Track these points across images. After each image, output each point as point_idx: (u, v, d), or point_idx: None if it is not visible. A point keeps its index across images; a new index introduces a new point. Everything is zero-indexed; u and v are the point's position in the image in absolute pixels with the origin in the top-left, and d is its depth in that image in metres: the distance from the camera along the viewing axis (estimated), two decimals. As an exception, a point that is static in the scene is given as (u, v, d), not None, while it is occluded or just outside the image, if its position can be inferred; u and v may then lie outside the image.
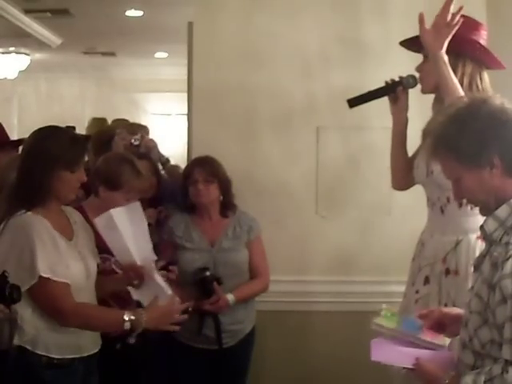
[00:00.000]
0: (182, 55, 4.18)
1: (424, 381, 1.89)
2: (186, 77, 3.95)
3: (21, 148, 2.88)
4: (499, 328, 1.68)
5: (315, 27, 3.61)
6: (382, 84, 2.67)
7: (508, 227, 1.77)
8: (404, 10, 3.46)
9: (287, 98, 3.63)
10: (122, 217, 2.59)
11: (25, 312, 2.32)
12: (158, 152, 4.45)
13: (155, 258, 2.68)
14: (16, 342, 2.25)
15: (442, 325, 2.01)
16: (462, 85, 2.47)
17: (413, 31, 2.52)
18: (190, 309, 3.02)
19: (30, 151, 2.47)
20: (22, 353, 2.31)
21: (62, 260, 2.38)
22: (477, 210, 1.93)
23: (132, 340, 2.48)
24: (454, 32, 2.41)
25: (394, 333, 1.97)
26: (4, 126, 3.53)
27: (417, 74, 2.63)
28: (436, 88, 2.53)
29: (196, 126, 3.70)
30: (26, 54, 8.50)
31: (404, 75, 2.64)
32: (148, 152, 4.11)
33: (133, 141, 4.07)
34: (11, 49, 8.30)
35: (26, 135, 2.58)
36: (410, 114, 2.68)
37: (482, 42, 2.59)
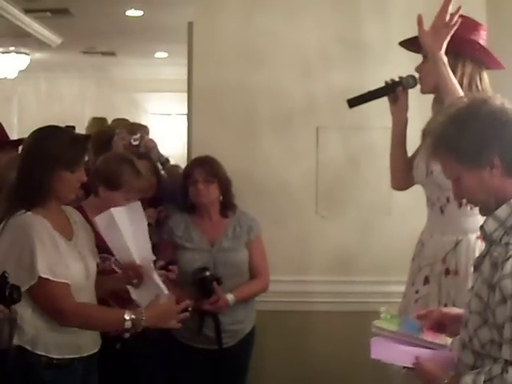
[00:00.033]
0: (182, 55, 4.18)
1: (423, 380, 1.89)
2: (186, 77, 3.96)
3: (20, 148, 2.88)
4: (499, 328, 1.68)
5: (315, 27, 3.61)
6: (382, 84, 2.67)
7: (508, 227, 1.77)
8: (404, 10, 3.46)
9: (287, 97, 3.63)
10: (122, 216, 2.59)
11: (24, 312, 2.32)
12: (158, 152, 4.46)
13: (154, 257, 2.68)
14: (15, 342, 2.25)
15: (442, 325, 2.01)
16: (461, 85, 2.47)
17: (413, 31, 2.52)
18: (189, 309, 3.03)
19: (30, 151, 2.47)
20: (21, 353, 2.31)
21: (62, 260, 2.38)
22: (476, 210, 1.93)
23: (127, 335, 2.48)
24: (452, 32, 2.41)
25: (395, 335, 1.98)
26: (4, 125, 3.53)
27: (416, 75, 2.63)
28: (435, 88, 2.53)
29: (196, 125, 3.70)
30: (25, 53, 8.50)
31: (404, 75, 2.64)
32: (147, 152, 4.11)
33: (132, 141, 4.08)
34: (11, 48, 8.30)
35: (26, 135, 2.57)
36: (410, 114, 2.68)
37: (482, 42, 2.59)
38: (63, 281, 2.35)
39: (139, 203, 2.70)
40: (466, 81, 2.53)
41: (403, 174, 2.73)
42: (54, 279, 2.33)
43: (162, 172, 4.11)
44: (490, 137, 1.77)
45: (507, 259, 1.70)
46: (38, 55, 8.77)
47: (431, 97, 2.65)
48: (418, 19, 2.44)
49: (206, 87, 3.63)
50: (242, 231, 3.29)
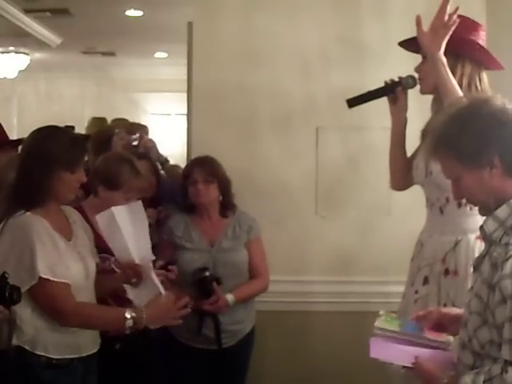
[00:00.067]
0: (182, 55, 4.18)
1: (423, 380, 1.89)
2: (185, 77, 3.96)
3: (20, 148, 2.88)
4: (499, 328, 1.68)
5: (315, 27, 3.61)
6: (382, 84, 2.67)
7: (508, 228, 1.77)
8: (404, 10, 3.46)
9: (287, 98, 3.63)
10: (122, 215, 2.59)
11: (24, 312, 2.32)
12: (157, 152, 4.46)
13: (153, 257, 2.68)
14: (15, 342, 2.25)
15: (442, 325, 2.01)
16: (461, 85, 2.47)
17: (412, 31, 2.52)
18: (189, 308, 3.03)
19: (30, 151, 2.46)
20: (21, 353, 2.31)
21: (62, 260, 2.37)
22: (476, 210, 1.93)
23: (117, 346, 2.48)
24: (450, 33, 2.41)
25: (397, 335, 1.98)
26: (3, 125, 3.52)
27: (416, 75, 2.63)
28: (435, 89, 2.53)
29: (196, 126, 3.70)
30: (25, 53, 8.50)
31: (403, 76, 2.64)
32: (147, 152, 4.11)
33: (131, 140, 4.08)
34: (11, 48, 8.31)
35: (26, 135, 2.57)
36: (409, 115, 2.68)
37: (481, 42, 2.59)
38: (63, 281, 2.35)
39: (140, 202, 2.70)
40: (465, 81, 2.53)
41: (402, 175, 2.73)
42: (55, 279, 2.33)
43: (162, 172, 4.11)
44: (490, 137, 1.77)
45: (507, 259, 1.70)
46: (37, 55, 8.77)
47: (430, 97, 2.65)
48: (417, 20, 2.44)
49: (205, 87, 3.63)
50: (241, 231, 3.29)
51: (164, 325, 2.57)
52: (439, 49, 2.41)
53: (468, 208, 2.46)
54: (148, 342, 3.06)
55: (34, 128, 2.53)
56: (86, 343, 2.49)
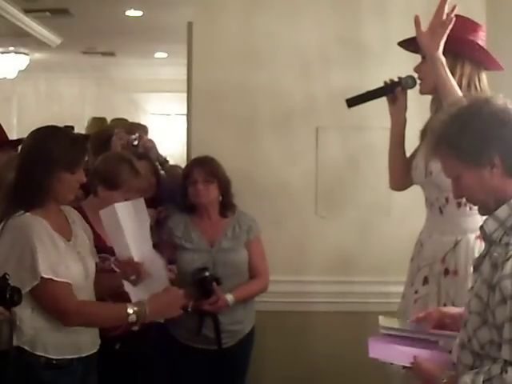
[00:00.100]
0: (182, 55, 4.19)
1: (422, 380, 1.89)
2: (185, 77, 3.96)
3: (19, 148, 2.87)
4: (499, 328, 1.68)
5: (315, 27, 3.61)
6: (382, 84, 2.67)
7: (508, 228, 1.77)
8: (404, 10, 3.46)
9: (287, 98, 3.63)
10: (125, 212, 2.60)
11: (24, 313, 2.31)
12: (157, 152, 4.45)
13: (154, 254, 2.69)
14: (15, 342, 2.24)
15: (443, 325, 2.01)
16: (460, 86, 2.46)
17: (412, 31, 2.52)
18: (189, 309, 3.03)
19: (30, 152, 2.46)
20: (20, 353, 2.31)
21: (62, 260, 2.37)
22: (475, 210, 1.93)
23: (135, 328, 2.46)
24: (448, 31, 2.40)
25: (404, 333, 1.98)
26: (3, 125, 3.52)
27: (415, 75, 2.63)
28: (435, 89, 2.52)
29: (195, 126, 3.70)
30: (25, 53, 8.50)
31: (403, 76, 2.64)
32: (146, 152, 4.10)
33: (131, 140, 4.07)
34: (11, 48, 8.31)
35: (26, 135, 2.56)
36: (409, 115, 2.68)
37: (481, 42, 2.59)
38: (65, 280, 2.35)
39: (142, 200, 2.70)
40: (464, 81, 2.53)
41: (402, 175, 2.73)
42: (57, 279, 2.33)
43: (162, 172, 4.10)
44: (491, 136, 1.77)
45: (507, 259, 1.70)
46: (37, 55, 8.78)
47: (430, 97, 2.65)
48: (415, 20, 2.44)
49: (205, 87, 3.63)
50: (241, 231, 3.29)
51: (166, 317, 2.57)
52: (438, 48, 2.41)
53: (468, 208, 2.46)
54: (148, 341, 3.06)
55: (34, 128, 2.53)
56: (86, 343, 2.48)
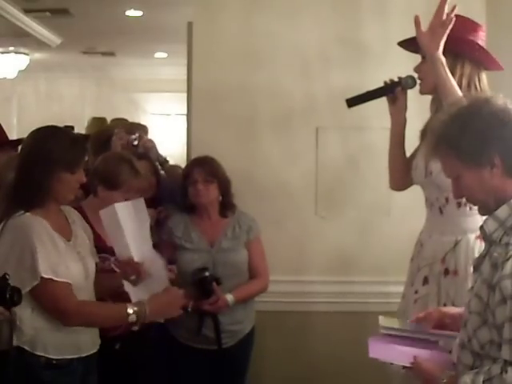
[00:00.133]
0: (182, 55, 4.19)
1: (422, 380, 1.89)
2: (185, 77, 3.96)
3: (19, 148, 2.87)
4: (499, 328, 1.68)
5: (315, 27, 3.61)
6: (382, 84, 2.67)
7: (508, 228, 1.77)
8: (404, 10, 3.46)
9: (287, 98, 3.63)
10: (125, 211, 2.60)
11: (24, 313, 2.31)
12: (156, 152, 4.45)
13: (154, 254, 2.69)
14: (15, 342, 2.24)
15: (443, 325, 2.01)
16: (460, 86, 2.46)
17: (412, 31, 2.52)
18: (189, 309, 3.03)
19: (30, 152, 2.45)
20: (20, 353, 2.31)
21: (62, 260, 2.37)
22: (475, 210, 1.93)
23: (135, 328, 2.46)
24: (448, 31, 2.40)
25: (404, 333, 1.98)
26: (3, 125, 3.52)
27: (415, 75, 2.63)
28: (434, 89, 2.52)
29: (195, 126, 3.70)
30: (25, 53, 8.50)
31: (403, 76, 2.64)
32: (146, 152, 4.10)
33: (131, 140, 4.07)
34: (11, 48, 8.31)
35: (26, 135, 2.56)
36: (409, 115, 2.68)
37: (481, 42, 2.58)
38: (65, 280, 2.35)
39: (142, 200, 2.70)
40: (464, 81, 2.53)
41: (402, 175, 2.73)
42: (57, 279, 2.32)
43: (162, 172, 4.10)
44: (491, 136, 1.77)
45: (507, 259, 1.70)
46: (37, 55, 8.78)
47: (430, 97, 2.65)
48: (415, 20, 2.44)
49: (205, 87, 3.63)
50: (241, 231, 3.29)
51: (166, 317, 2.57)
52: (438, 48, 2.41)
53: (468, 208, 2.46)
54: (148, 341, 3.06)
55: (34, 128, 2.53)
56: (86, 343, 2.48)
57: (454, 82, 2.43)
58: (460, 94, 2.39)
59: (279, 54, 3.62)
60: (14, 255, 2.31)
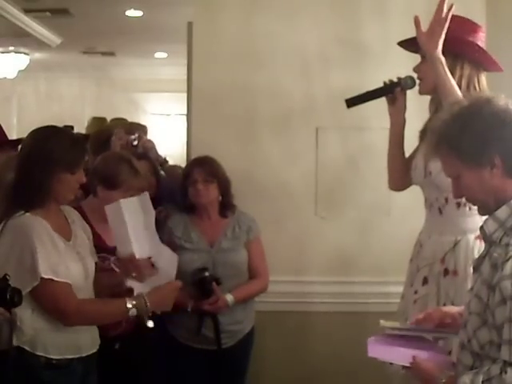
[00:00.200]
0: (182, 55, 4.18)
1: (421, 380, 1.89)
2: (185, 77, 3.96)
3: (19, 148, 2.87)
4: (498, 329, 1.68)
5: (314, 28, 3.61)
6: (381, 84, 2.67)
7: (508, 228, 1.77)
8: (404, 10, 3.46)
9: (287, 98, 3.63)
10: (130, 207, 2.58)
11: (24, 313, 2.31)
12: (156, 152, 4.45)
13: (164, 249, 2.69)
14: (15, 342, 2.25)
15: (444, 325, 2.01)
16: (460, 86, 2.46)
17: (412, 32, 2.52)
18: (189, 309, 3.03)
19: (31, 152, 2.45)
20: (20, 353, 2.31)
21: (62, 261, 2.37)
22: (475, 210, 1.93)
23: (150, 323, 2.45)
24: (445, 29, 2.40)
25: (408, 332, 1.98)
26: (3, 125, 3.53)
27: (415, 75, 2.63)
28: (434, 89, 2.52)
29: (195, 126, 3.70)
30: (25, 53, 8.50)
31: (402, 76, 2.64)
32: (146, 152, 4.11)
33: (130, 140, 4.07)
34: (11, 48, 8.31)
35: (25, 135, 2.55)
36: (408, 115, 2.68)
37: (480, 44, 2.58)
38: (65, 281, 2.35)
39: (147, 194, 2.69)
40: (464, 82, 2.53)
41: (401, 175, 2.73)
42: (57, 279, 2.32)
43: (162, 172, 4.10)
44: (492, 137, 1.77)
45: (507, 260, 1.70)
46: (37, 55, 8.78)
47: (429, 98, 2.65)
48: (415, 21, 2.45)
49: (205, 87, 3.63)
50: (241, 231, 3.29)
51: (163, 310, 2.56)
52: (436, 47, 2.41)
53: (467, 208, 2.46)
54: (148, 342, 3.06)
55: (34, 128, 2.52)
56: (86, 343, 2.48)
57: (453, 82, 2.43)
58: (460, 94, 2.39)
59: (279, 54, 3.62)
60: (14, 255, 2.31)
